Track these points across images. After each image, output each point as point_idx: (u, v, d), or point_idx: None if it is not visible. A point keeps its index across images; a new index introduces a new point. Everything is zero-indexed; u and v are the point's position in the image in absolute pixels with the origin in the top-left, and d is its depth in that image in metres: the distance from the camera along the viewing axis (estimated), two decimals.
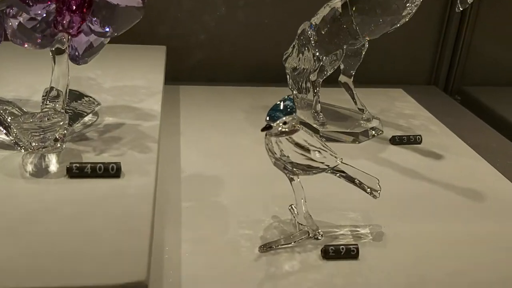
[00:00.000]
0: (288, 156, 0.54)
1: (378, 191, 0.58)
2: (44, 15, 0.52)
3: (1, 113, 0.58)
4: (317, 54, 0.81)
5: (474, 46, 1.15)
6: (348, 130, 0.84)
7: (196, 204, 0.64)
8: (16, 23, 0.53)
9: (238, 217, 0.62)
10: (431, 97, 1.09)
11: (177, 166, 0.72)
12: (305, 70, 0.85)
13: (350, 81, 0.86)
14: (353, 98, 0.87)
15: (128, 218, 0.46)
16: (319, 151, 0.55)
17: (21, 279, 0.38)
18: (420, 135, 0.84)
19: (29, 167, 0.53)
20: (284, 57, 0.87)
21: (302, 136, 0.54)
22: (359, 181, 0.57)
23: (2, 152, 0.56)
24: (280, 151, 0.54)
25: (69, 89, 0.60)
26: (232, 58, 1.09)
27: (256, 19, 1.07)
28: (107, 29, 0.55)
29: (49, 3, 0.52)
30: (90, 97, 0.67)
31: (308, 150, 0.55)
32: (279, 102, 0.53)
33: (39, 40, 0.53)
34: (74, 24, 0.53)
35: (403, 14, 0.73)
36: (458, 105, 1.08)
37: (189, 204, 0.64)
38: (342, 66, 0.85)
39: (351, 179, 0.57)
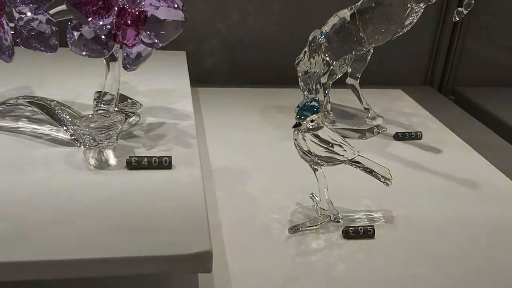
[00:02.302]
0: (313, 150, 0.63)
1: (390, 180, 0.66)
2: (105, 28, 0.59)
3: (60, 112, 0.66)
4: (328, 59, 0.90)
5: (466, 50, 1.25)
6: (355, 127, 0.93)
7: (228, 193, 0.73)
8: (78, 34, 0.60)
9: (266, 204, 0.70)
10: (427, 96, 1.18)
11: (207, 161, 0.80)
12: (315, 74, 0.93)
13: (356, 83, 0.94)
14: (359, 99, 0.96)
15: (185, 202, 0.54)
16: (340, 145, 0.64)
17: (106, 251, 0.46)
18: (420, 132, 0.94)
19: (92, 161, 0.61)
20: (296, 61, 0.96)
21: (326, 132, 0.63)
22: (374, 171, 0.66)
23: (64, 148, 0.64)
24: (306, 145, 0.63)
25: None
26: (245, 62, 1.18)
27: (265, 25, 1.16)
28: (156, 40, 0.63)
29: (106, 17, 0.60)
30: (133, 99, 0.75)
31: (330, 144, 0.63)
32: (306, 103, 0.61)
33: (100, 51, 0.61)
34: (130, 37, 0.61)
35: (406, 23, 0.82)
36: (452, 104, 1.18)
37: (222, 194, 0.72)
38: (349, 70, 0.93)
39: (366, 169, 0.66)
